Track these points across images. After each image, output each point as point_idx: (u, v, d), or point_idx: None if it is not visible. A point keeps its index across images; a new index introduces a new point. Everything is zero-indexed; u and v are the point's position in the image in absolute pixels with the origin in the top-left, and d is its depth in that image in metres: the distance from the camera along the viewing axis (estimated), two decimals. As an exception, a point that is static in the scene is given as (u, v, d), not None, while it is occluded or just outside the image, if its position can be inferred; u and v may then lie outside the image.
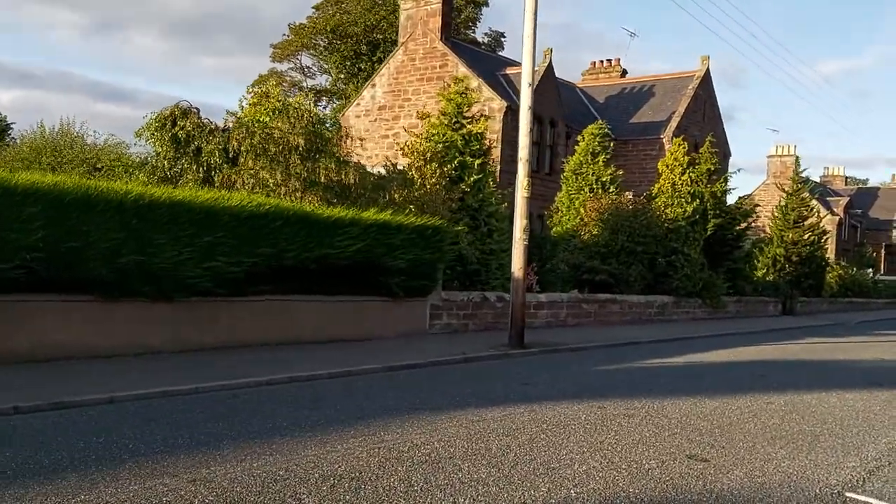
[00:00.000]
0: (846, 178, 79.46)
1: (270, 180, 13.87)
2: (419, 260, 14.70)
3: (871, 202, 72.83)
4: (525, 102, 15.13)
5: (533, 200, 32.08)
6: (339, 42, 56.01)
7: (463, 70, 32.64)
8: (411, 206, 16.75)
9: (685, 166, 24.95)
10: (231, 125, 14.77)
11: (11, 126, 43.65)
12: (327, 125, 16.14)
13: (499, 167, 31.10)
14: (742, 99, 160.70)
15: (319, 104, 60.28)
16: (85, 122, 63.92)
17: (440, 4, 33.51)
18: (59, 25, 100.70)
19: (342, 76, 56.95)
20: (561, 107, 34.54)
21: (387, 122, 35.18)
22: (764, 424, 8.66)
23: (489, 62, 35.78)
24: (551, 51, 34.09)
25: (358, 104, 36.41)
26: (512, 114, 31.71)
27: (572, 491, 5.79)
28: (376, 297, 14.50)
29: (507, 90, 33.40)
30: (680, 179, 24.73)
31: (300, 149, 14.20)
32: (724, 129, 41.46)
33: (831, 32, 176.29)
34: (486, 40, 59.92)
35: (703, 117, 39.24)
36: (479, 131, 18.53)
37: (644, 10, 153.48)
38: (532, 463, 6.46)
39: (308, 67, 61.32)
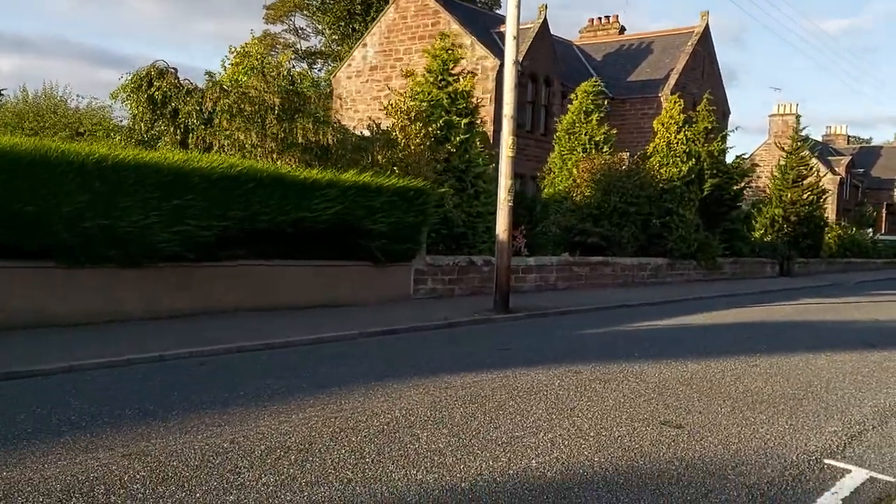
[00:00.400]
0: (849, 136, 78.51)
1: (246, 141, 13.46)
2: (401, 223, 14.32)
3: (874, 161, 72.04)
4: (509, 55, 14.65)
5: (527, 162, 31.81)
6: (332, 2, 55.05)
7: (455, 27, 31.93)
8: (395, 168, 16.32)
9: (681, 124, 24.40)
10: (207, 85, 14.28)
11: (2, 93, 43.16)
12: (316, 85, 15.60)
13: (492, 128, 30.61)
14: (745, 59, 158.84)
15: (315, 67, 59.59)
16: (68, 85, 63.12)
17: (432, -39, 32.68)
18: None
19: (336, 37, 56.01)
20: (556, 65, 33.87)
21: (378, 83, 34.52)
22: (746, 388, 8.36)
23: (484, 19, 35.04)
24: (546, 7, 33.34)
25: (349, 65, 35.73)
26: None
27: (533, 461, 5.49)
28: (357, 261, 14.15)
29: (502, 48, 32.63)
30: (675, 138, 24.20)
31: (276, 108, 13.75)
32: (723, 87, 40.77)
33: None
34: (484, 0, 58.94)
35: (703, 75, 38.52)
36: (466, 89, 17.99)
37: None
38: (496, 431, 6.16)
39: (302, 29, 60.32)
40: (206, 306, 11.86)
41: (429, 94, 17.82)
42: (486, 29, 33.78)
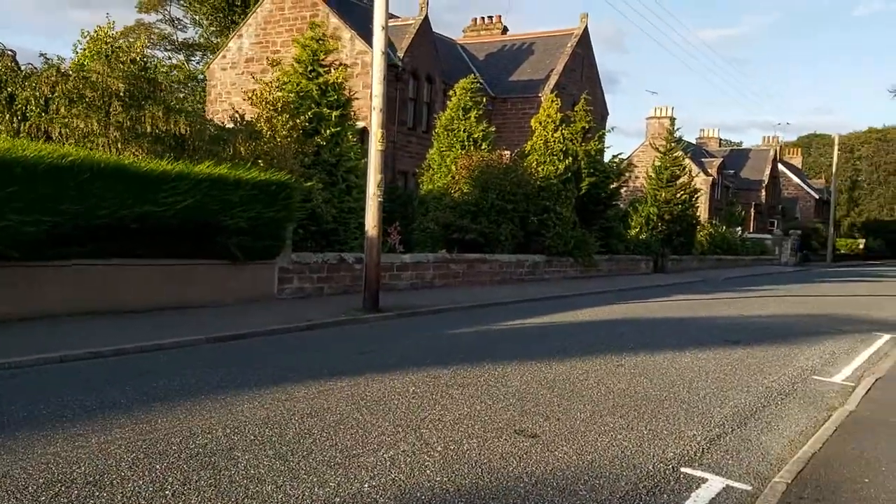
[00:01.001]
0: (720, 140, 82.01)
1: (86, 129, 12.24)
2: (262, 218, 13.42)
3: (743, 163, 75.47)
4: (377, 46, 14.03)
5: (409, 159, 31.24)
6: (210, -9, 52.87)
7: (334, 20, 31.03)
8: (259, 161, 15.39)
9: (558, 123, 24.40)
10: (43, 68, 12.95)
11: None
12: (193, 78, 14.40)
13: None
14: (626, 64, 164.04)
15: (193, 59, 57.12)
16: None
17: (310, -50, 31.63)
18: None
19: (214, 29, 53.84)
20: (438, 62, 33.45)
21: (254, 75, 33.12)
22: (609, 390, 8.02)
23: (366, 14, 34.13)
24: (427, 3, 32.83)
25: (224, 56, 34.16)
26: (387, 67, 30.37)
27: (366, 485, 4.87)
28: (213, 259, 13.17)
29: (382, 43, 31.97)
30: (553, 137, 24.18)
31: (121, 94, 12.59)
32: (602, 89, 41.45)
33: (708, 2, 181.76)
34: (367, -6, 58.06)
35: (582, 76, 39.02)
36: (338, 81, 17.20)
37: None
38: (331, 450, 5.50)
39: (178, 19, 57.71)
40: (33, 310, 10.65)
41: (298, 84, 16.95)
42: (367, 25, 32.97)
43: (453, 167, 22.14)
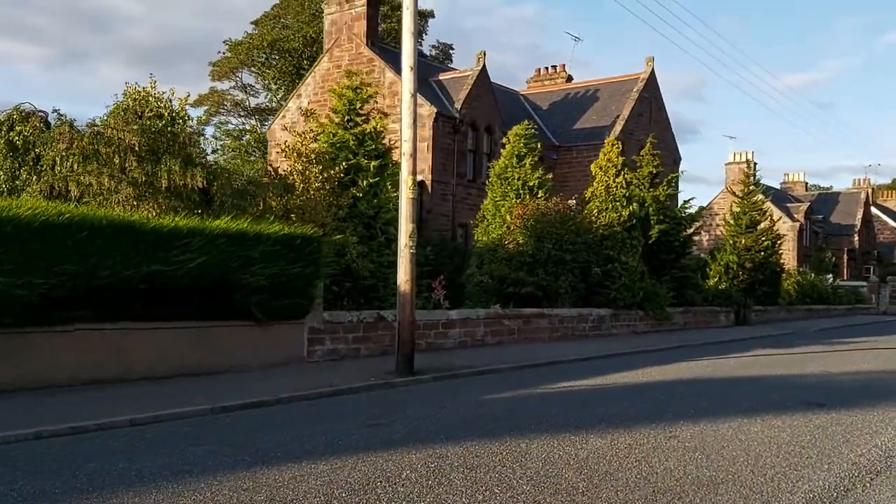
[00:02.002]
0: (807, 184, 78.47)
1: (95, 185, 11.66)
2: (286, 275, 12.50)
3: (833, 207, 71.79)
4: (406, 87, 13.16)
5: (468, 211, 30.16)
6: (277, 57, 53.94)
7: (390, 75, 30.71)
8: (292, 215, 14.63)
9: (619, 168, 23.01)
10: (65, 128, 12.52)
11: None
12: (191, 123, 13.91)
13: (430, 177, 29.20)
14: (706, 113, 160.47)
15: (265, 123, 58.20)
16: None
17: (365, 7, 31.60)
18: (24, 59, 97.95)
19: (282, 93, 54.77)
20: (498, 113, 32.62)
21: (313, 133, 32.97)
22: (651, 471, 6.57)
23: (422, 68, 33.71)
24: (484, 54, 32.26)
25: (283, 116, 34.28)
26: (443, 119, 29.82)
27: None
28: (234, 320, 12.28)
29: (440, 96, 31.49)
30: (614, 182, 22.79)
31: (136, 149, 11.99)
32: (672, 133, 39.86)
33: (789, 47, 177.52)
34: (433, 53, 58.27)
35: (650, 121, 37.57)
36: (376, 129, 16.40)
37: (604, 24, 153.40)
38: (264, 562, 4.29)
39: (251, 86, 59.06)
40: (30, 380, 9.89)
41: (334, 135, 16.22)
42: (425, 77, 32.49)
43: (508, 217, 20.99)
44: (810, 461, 7.12)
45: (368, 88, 17.28)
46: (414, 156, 12.88)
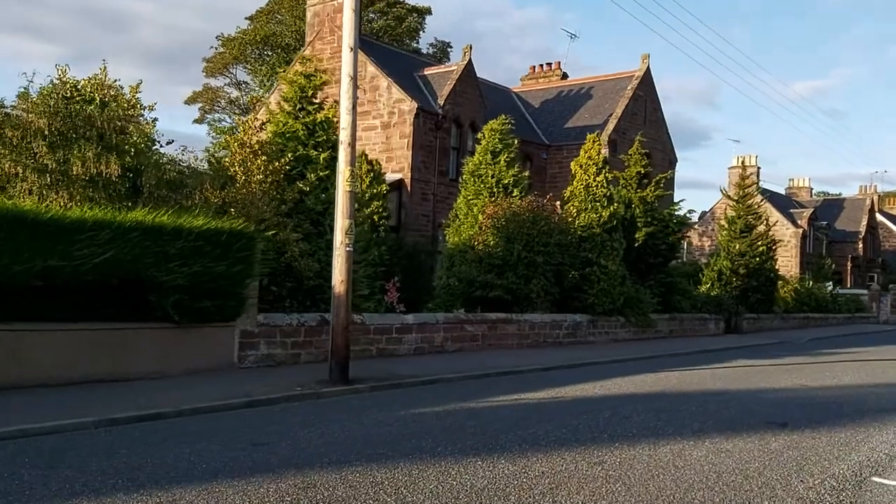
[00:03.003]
0: (811, 189, 76.99)
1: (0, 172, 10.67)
2: (210, 273, 11.48)
3: (838, 214, 70.33)
4: (346, 69, 12.08)
5: (447, 209, 29.06)
6: (270, 53, 52.99)
7: (371, 69, 29.69)
8: (232, 210, 13.63)
9: (600, 165, 21.91)
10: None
11: None
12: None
13: (409, 175, 28.18)
14: (718, 119, 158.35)
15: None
16: None
17: (348, -1, 30.51)
18: (39, 58, 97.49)
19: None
20: (483, 109, 31.53)
21: (258, 122, 31.98)
22: (549, 510, 5.53)
23: (406, 62, 32.83)
24: (470, 47, 31.20)
25: (258, 110, 33.23)
26: (425, 115, 28.79)
27: None
28: (151, 322, 11.26)
29: (424, 91, 30.46)
30: (595, 181, 21.66)
31: (45, 132, 10.99)
32: (668, 134, 38.69)
33: (799, 55, 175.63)
34: (430, 51, 57.24)
35: (645, 120, 36.44)
36: (328, 118, 15.33)
37: (616, 30, 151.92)
38: None
39: (245, 83, 58.09)
40: None
41: (285, 124, 15.21)
42: (409, 72, 31.56)
43: (480, 217, 19.92)
44: (748, 496, 6.07)
45: (323, 75, 16.23)
46: (352, 145, 11.82)
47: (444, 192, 29.34)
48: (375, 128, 29.38)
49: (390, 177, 28.06)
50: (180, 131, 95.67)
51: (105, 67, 14.29)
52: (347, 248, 11.73)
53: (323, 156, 15.02)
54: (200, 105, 58.34)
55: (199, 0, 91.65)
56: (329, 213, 15.02)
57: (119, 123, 12.26)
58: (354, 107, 12.00)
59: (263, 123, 14.93)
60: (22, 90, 11.78)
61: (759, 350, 21.73)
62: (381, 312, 15.37)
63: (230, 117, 59.68)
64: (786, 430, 8.94)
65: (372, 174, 24.60)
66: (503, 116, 21.85)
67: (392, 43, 47.60)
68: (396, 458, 6.90)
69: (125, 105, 13.80)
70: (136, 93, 14.32)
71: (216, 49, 54.27)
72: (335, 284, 11.71)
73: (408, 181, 28.31)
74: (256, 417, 9.11)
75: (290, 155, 14.45)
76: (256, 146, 14.27)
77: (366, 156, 24.89)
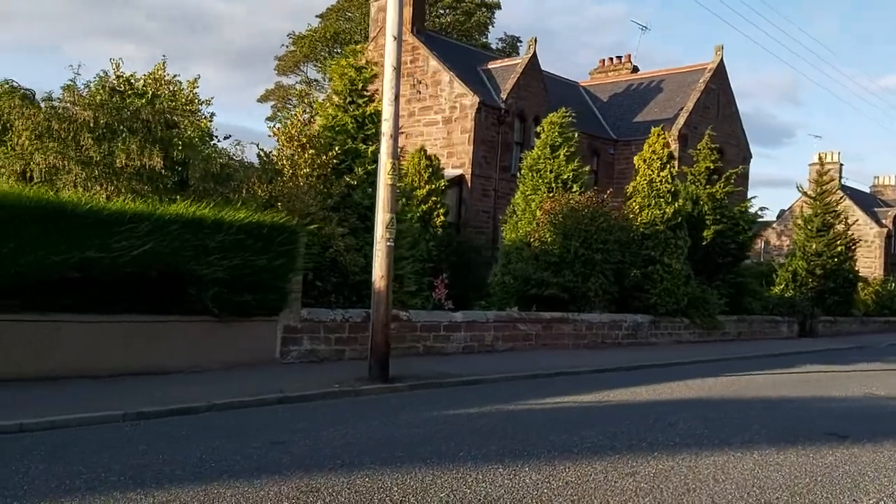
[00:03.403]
0: (900, 187, 73.28)
1: (43, 164, 10.77)
2: (250, 267, 11.37)
3: (928, 213, 66.77)
4: (389, 59, 11.81)
5: (508, 206, 28.61)
6: (340, 51, 53.29)
7: (434, 63, 29.45)
8: (279, 203, 13.54)
9: (665, 160, 21.10)
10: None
11: None
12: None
13: (470, 171, 27.82)
14: (802, 116, 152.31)
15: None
16: None
17: (412, -7, 30.36)
18: (126, 59, 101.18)
19: (344, 86, 54.08)
20: (547, 103, 30.80)
21: (307, 115, 32.00)
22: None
23: (471, 57, 32.46)
24: (535, 40, 30.63)
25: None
26: (487, 110, 28.37)
27: None
28: (191, 315, 11.21)
29: (487, 85, 30.04)
30: (659, 176, 20.86)
31: (91, 126, 11.05)
32: (742, 128, 37.25)
33: (885, 47, 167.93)
34: (500, 46, 56.71)
35: (718, 114, 35.16)
36: (377, 112, 15.07)
37: (696, 24, 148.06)
38: None
39: (316, 81, 58.65)
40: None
41: (334, 118, 15.05)
42: (473, 66, 31.18)
43: (538, 212, 19.42)
44: (788, 520, 5.52)
45: (374, 68, 16.00)
46: (395, 137, 11.54)
47: (505, 189, 28.84)
48: (437, 123, 29.13)
49: (451, 172, 27.78)
50: (256, 129, 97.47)
51: (163, 63, 14.42)
52: (388, 243, 11.45)
53: (371, 149, 14.78)
54: (273, 103, 59.12)
55: (277, 0, 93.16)
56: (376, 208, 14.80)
57: (168, 116, 12.29)
58: (397, 97, 11.71)
59: (312, 117, 14.75)
60: (69, 83, 11.88)
61: (832, 355, 20.59)
62: (429, 309, 15.06)
63: (305, 114, 60.30)
64: (846, 443, 8.25)
65: (430, 169, 24.37)
66: (563, 109, 21.28)
67: (461, 38, 47.32)
68: (413, 463, 6.56)
69: (183, 100, 13.86)
70: (194, 88, 14.40)
71: (287, 47, 54.95)
72: (375, 280, 11.45)
73: (468, 177, 27.95)
74: (287, 414, 8.91)
75: (337, 148, 14.26)
76: (304, 140, 14.13)
77: (424, 151, 24.67)
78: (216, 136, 14.64)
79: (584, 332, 18.17)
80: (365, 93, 15.45)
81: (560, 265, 18.30)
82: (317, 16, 55.86)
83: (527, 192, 20.44)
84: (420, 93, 29.68)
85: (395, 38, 11.71)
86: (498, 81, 30.20)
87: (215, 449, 6.84)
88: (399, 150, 16.57)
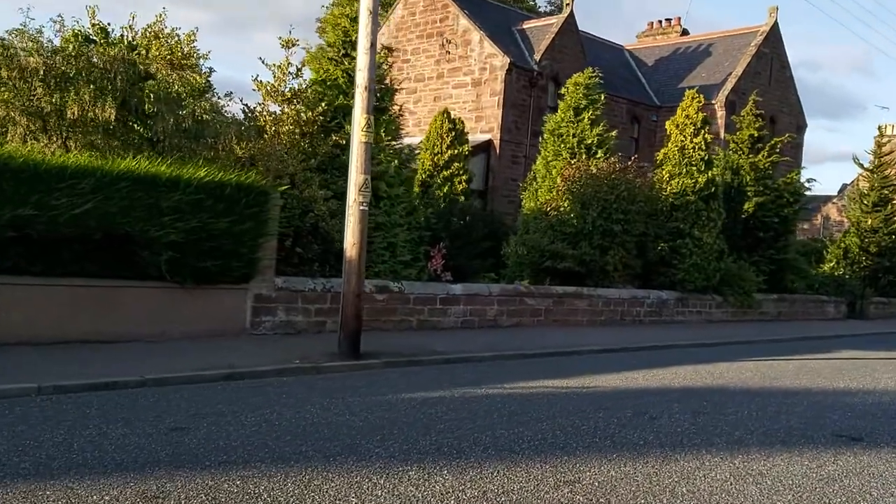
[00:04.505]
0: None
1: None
2: (210, 230, 10.47)
3: None
4: (365, 1, 10.63)
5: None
6: (384, 12, 52.17)
7: (464, 22, 28.09)
8: (258, 163, 12.64)
9: (699, 125, 19.50)
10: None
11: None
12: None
13: (499, 136, 26.53)
14: (878, 89, 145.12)
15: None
16: None
17: (443, -51, 28.96)
18: (192, 24, 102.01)
19: (386, 50, 53.01)
20: (585, 66, 29.19)
21: (293, 67, 30.89)
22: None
23: (506, 16, 30.96)
24: (573, 0, 28.99)
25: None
26: (518, 71, 26.97)
27: None
28: (147, 281, 10.38)
29: (521, 46, 28.58)
30: (691, 143, 19.29)
31: (41, 74, 10.21)
32: (797, 96, 35.02)
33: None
34: (549, 9, 54.78)
35: (770, 80, 33.05)
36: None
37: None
38: None
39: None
40: None
41: (325, 71, 14.00)
42: (508, 26, 29.73)
43: (559, 179, 18.15)
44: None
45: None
46: (370, 89, 10.48)
47: (536, 155, 27.50)
48: (466, 85, 27.84)
49: (478, 137, 26.56)
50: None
51: (162, 14, 13.58)
52: (362, 207, 10.43)
53: (364, 106, 13.69)
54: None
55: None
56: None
57: (141, 67, 11.42)
58: (373, 45, 10.63)
59: (300, 68, 13.72)
60: (19, 27, 11.03)
61: (879, 340, 18.93)
62: (424, 281, 14.02)
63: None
64: (856, 447, 6.98)
65: (453, 133, 23.14)
66: (590, 70, 19.85)
67: (510, 1, 45.73)
68: (314, 461, 5.56)
69: (179, 53, 13.02)
70: (192, 41, 13.55)
71: (327, 8, 53.87)
72: (347, 248, 10.45)
73: (497, 142, 26.68)
74: (223, 393, 8.02)
75: (323, 105, 13.21)
76: (289, 94, 13.13)
77: (448, 113, 23.44)
78: (215, 92, 13.81)
79: (600, 308, 16.92)
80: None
81: (577, 236, 17.04)
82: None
83: (548, 158, 19.16)
84: (449, 52, 28.41)
85: (371, -20, 10.54)
86: (532, 42, 28.72)
87: (106, 434, 5.97)
88: (398, 107, 15.52)
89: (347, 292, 10.47)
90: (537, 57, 27.58)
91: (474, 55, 27.56)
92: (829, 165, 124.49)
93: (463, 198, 22.35)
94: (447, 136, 22.92)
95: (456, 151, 22.88)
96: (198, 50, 13.47)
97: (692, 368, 11.59)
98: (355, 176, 10.42)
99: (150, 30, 13.32)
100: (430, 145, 22.87)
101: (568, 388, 9.31)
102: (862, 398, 9.81)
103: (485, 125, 27.00)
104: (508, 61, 26.54)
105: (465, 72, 27.80)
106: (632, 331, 16.32)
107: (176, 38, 13.37)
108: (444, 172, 22.36)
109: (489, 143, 26.69)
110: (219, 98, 13.82)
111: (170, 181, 10.14)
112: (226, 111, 13.72)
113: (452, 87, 28.20)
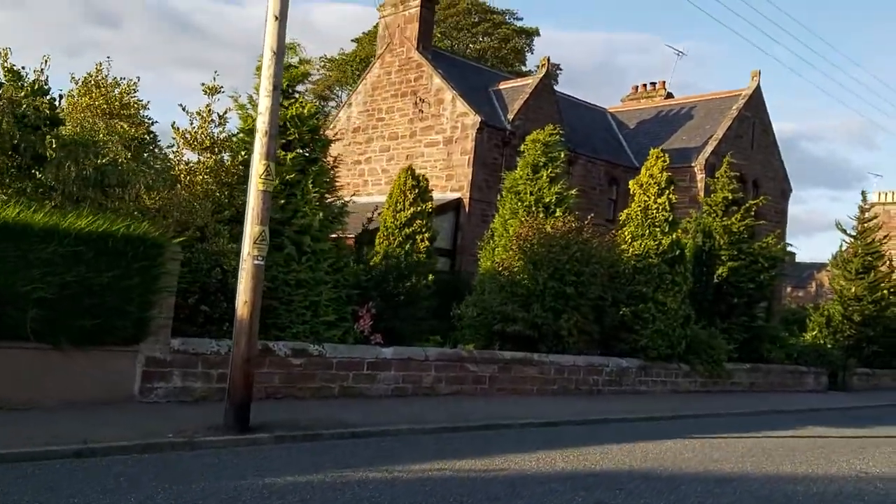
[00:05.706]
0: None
1: None
2: (86, 285, 9.51)
3: None
4: (269, 41, 9.81)
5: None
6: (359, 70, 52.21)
7: (437, 82, 27.61)
8: (175, 214, 11.77)
9: (663, 186, 18.68)
10: None
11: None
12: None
13: (469, 195, 25.77)
14: (878, 160, 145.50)
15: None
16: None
17: (419, 9, 28.69)
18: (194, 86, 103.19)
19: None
20: (562, 127, 28.67)
21: (360, 146, 30.41)
22: None
23: (482, 76, 30.52)
24: (548, 60, 28.71)
25: (334, 127, 31.77)
26: (489, 130, 26.35)
27: None
28: (16, 342, 9.36)
29: (495, 106, 28.05)
30: (655, 203, 18.45)
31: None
32: (781, 160, 34.36)
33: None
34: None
35: (752, 144, 32.43)
36: (302, 113, 13.18)
37: (769, 66, 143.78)
38: None
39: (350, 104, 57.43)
40: None
41: (253, 119, 13.21)
42: (484, 86, 29.26)
43: (513, 238, 17.24)
44: None
45: (306, 66, 14.18)
46: (270, 134, 9.60)
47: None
48: (438, 143, 27.21)
49: (448, 195, 25.83)
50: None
51: (102, 63, 13.05)
52: (257, 262, 9.50)
53: (291, 156, 12.93)
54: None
55: (327, 27, 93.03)
56: (293, 223, 12.89)
57: (45, 111, 10.66)
58: (276, 88, 9.76)
59: (222, 116, 12.94)
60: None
61: (853, 415, 17.71)
62: (350, 343, 12.97)
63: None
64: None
65: (416, 191, 22.29)
66: (550, 126, 19.16)
67: (498, 66, 45.60)
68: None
69: (116, 102, 12.48)
70: (132, 91, 12.95)
71: (320, 71, 53.99)
72: (238, 306, 9.49)
73: (466, 200, 25.89)
74: (59, 474, 6.96)
75: (243, 154, 12.40)
76: (208, 142, 12.33)
77: (412, 170, 22.60)
78: (157, 143, 13.10)
79: (552, 376, 15.80)
80: (292, 92, 13.62)
81: (529, 298, 16.04)
82: (352, 40, 54.88)
83: (505, 216, 18.32)
84: (422, 111, 27.88)
85: (277, 18, 9.79)
86: (507, 102, 28.21)
87: None
88: (332, 159, 14.73)
89: (236, 356, 9.45)
90: (510, 116, 27.01)
91: (446, 114, 27.00)
92: (832, 234, 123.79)
93: (425, 256, 21.43)
94: (410, 193, 22.02)
95: (419, 209, 21.97)
96: (140, 101, 12.92)
97: (629, 447, 10.46)
98: (250, 227, 9.51)
99: (91, 79, 12.83)
100: (393, 202, 22.05)
101: (467, 472, 8.19)
102: (806, 487, 8.66)
103: (455, 183, 26.27)
104: (479, 120, 25.94)
105: (438, 130, 27.21)
106: (585, 402, 15.17)
107: (117, 88, 12.84)
108: (406, 230, 21.47)
109: (459, 201, 25.93)
110: (160, 149, 13.15)
111: (43, 231, 9.23)
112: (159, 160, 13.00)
113: (425, 145, 27.60)
